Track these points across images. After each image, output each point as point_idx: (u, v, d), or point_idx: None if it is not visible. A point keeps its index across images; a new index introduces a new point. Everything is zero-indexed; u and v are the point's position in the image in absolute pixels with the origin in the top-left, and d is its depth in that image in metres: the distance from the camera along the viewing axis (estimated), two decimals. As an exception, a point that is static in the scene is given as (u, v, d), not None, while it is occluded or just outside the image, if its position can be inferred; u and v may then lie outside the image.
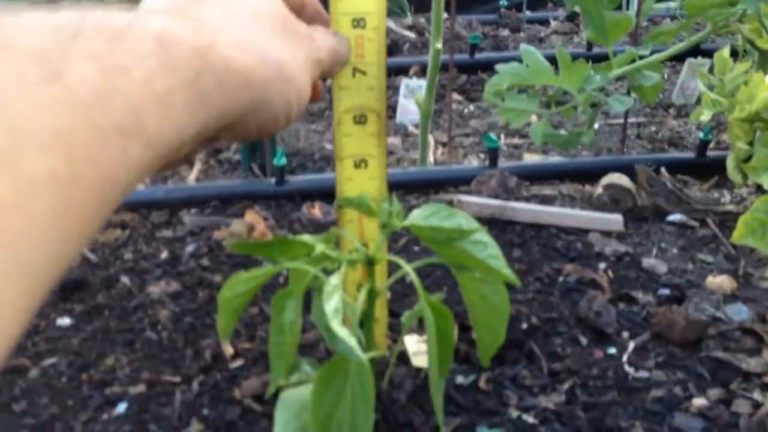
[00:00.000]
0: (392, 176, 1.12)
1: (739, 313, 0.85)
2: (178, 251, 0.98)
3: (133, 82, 0.30)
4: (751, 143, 0.98)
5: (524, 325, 0.82)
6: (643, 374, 0.76)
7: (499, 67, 1.11)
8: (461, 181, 1.16)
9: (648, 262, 0.95)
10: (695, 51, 1.62)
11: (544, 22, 2.22)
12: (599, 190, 1.09)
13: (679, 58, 1.57)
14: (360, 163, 0.66)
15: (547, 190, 1.16)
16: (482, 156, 1.35)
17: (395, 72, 1.71)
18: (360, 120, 0.64)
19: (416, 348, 0.80)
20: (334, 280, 0.57)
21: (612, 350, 0.79)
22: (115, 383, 0.75)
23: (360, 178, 0.66)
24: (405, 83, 1.49)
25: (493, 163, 1.19)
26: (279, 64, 0.42)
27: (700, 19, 1.19)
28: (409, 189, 1.16)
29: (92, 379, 0.76)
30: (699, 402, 0.72)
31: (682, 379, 0.75)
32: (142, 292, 0.89)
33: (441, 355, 0.61)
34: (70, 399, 0.74)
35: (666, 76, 1.76)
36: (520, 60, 1.12)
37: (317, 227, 1.03)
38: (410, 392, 0.73)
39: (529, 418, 0.71)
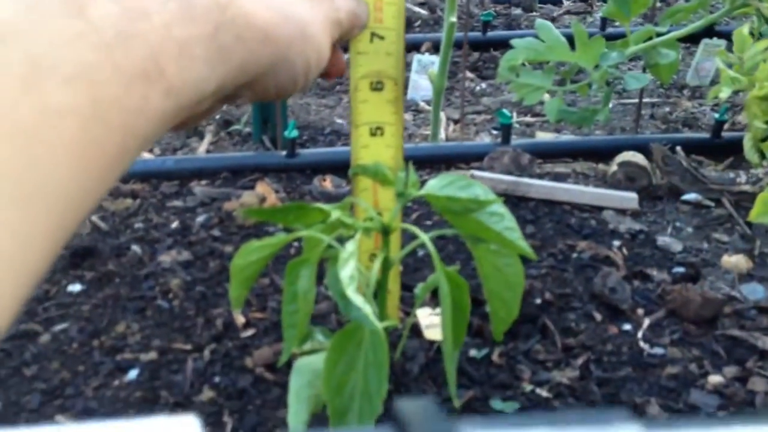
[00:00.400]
0: (404, 150, 1.10)
1: (755, 292, 0.84)
2: (188, 221, 0.97)
3: (154, 27, 0.29)
4: (769, 122, 0.96)
5: (538, 300, 0.81)
6: (658, 351, 0.75)
7: (514, 41, 1.10)
8: (473, 158, 1.15)
9: (663, 240, 0.94)
10: (711, 33, 1.61)
11: (557, 2, 2.19)
12: (614, 167, 1.08)
13: (694, 39, 1.55)
14: (376, 131, 0.65)
15: (560, 168, 1.15)
16: (494, 133, 1.33)
17: (407, 49, 1.68)
18: (377, 86, 0.63)
19: (429, 321, 0.80)
20: (350, 246, 0.57)
21: (627, 326, 0.78)
22: (126, 350, 0.75)
23: (376, 146, 0.65)
24: (417, 59, 1.48)
25: (506, 139, 1.18)
26: (300, 22, 0.41)
27: (719, -3, 1.18)
28: (421, 164, 1.15)
29: (103, 345, 0.76)
30: (715, 379, 0.71)
31: (698, 356, 0.75)
32: (152, 260, 0.88)
33: (455, 326, 0.60)
34: (81, 364, 0.73)
35: (681, 57, 1.75)
36: (534, 38, 1.11)
37: (328, 200, 1.03)
38: (423, 364, 0.73)
39: (543, 393, 0.70)
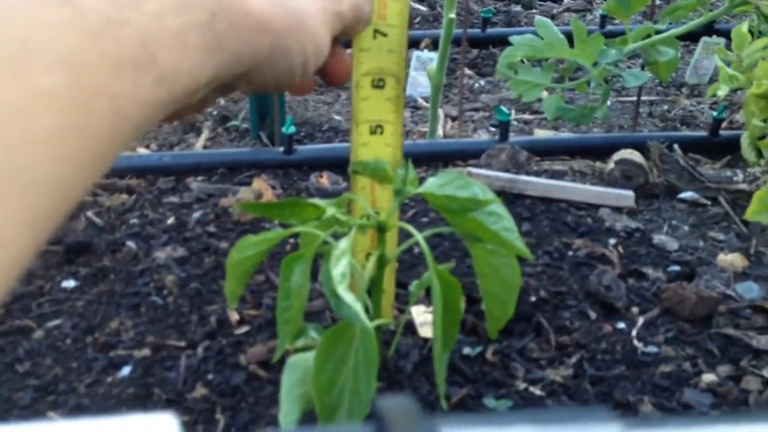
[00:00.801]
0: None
1: (750, 291, 0.84)
2: (184, 217, 0.97)
3: (145, 14, 0.29)
4: (766, 120, 0.96)
5: (533, 298, 0.81)
6: (652, 349, 0.75)
7: (513, 38, 1.10)
8: (471, 155, 1.15)
9: (659, 238, 0.94)
10: (710, 31, 1.60)
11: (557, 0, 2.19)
12: (611, 165, 1.08)
13: (693, 37, 1.55)
14: (376, 129, 0.65)
15: (558, 166, 1.15)
16: (492, 130, 1.33)
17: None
18: (378, 84, 0.63)
19: (423, 318, 0.79)
20: (343, 244, 0.57)
21: (621, 325, 0.78)
22: (119, 346, 0.75)
23: (375, 144, 0.65)
24: (416, 55, 1.48)
25: (504, 137, 1.17)
26: (296, 12, 0.41)
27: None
28: (418, 161, 1.15)
29: (97, 341, 0.75)
30: (709, 378, 0.71)
31: (692, 355, 0.74)
32: (147, 256, 0.88)
33: (446, 325, 0.60)
34: (74, 361, 0.73)
35: (680, 55, 1.74)
36: (533, 34, 1.11)
37: (325, 196, 1.02)
38: (416, 362, 0.73)
39: (536, 391, 0.70)
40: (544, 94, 1.23)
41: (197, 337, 0.76)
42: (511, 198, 1.02)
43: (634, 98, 1.31)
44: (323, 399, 0.54)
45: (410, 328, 0.77)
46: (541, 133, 1.33)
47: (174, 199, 1.02)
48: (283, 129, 1.10)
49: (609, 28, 1.75)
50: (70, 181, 0.25)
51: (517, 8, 2.09)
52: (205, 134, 1.27)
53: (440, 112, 1.35)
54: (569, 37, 1.10)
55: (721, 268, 0.89)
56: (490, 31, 1.76)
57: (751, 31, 1.33)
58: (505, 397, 0.69)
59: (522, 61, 1.15)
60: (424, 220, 0.97)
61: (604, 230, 0.96)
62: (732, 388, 0.70)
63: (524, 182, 1.03)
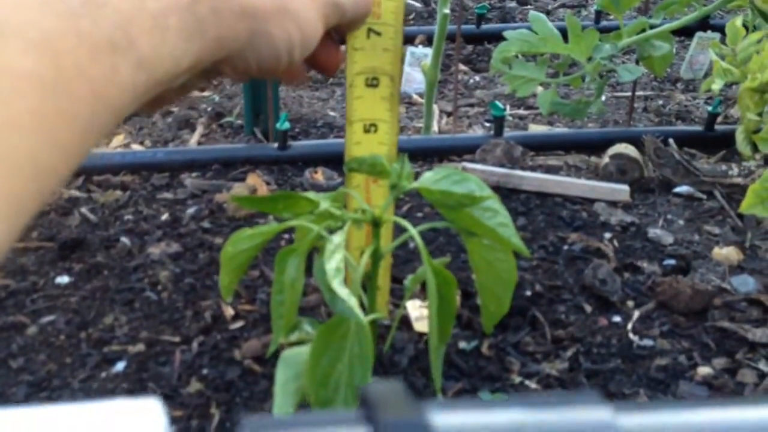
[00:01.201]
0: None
1: (745, 284, 0.84)
2: (178, 213, 0.96)
3: None
4: (761, 114, 0.96)
5: (528, 292, 0.81)
6: (647, 342, 0.75)
7: (508, 33, 1.10)
8: (466, 150, 1.14)
9: (654, 232, 0.94)
10: (705, 26, 1.61)
11: (552, -5, 2.19)
12: (606, 159, 1.08)
13: (688, 33, 1.55)
14: (370, 128, 0.65)
15: (553, 161, 1.15)
16: (487, 126, 1.33)
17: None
18: (372, 83, 0.63)
19: (418, 313, 0.79)
20: (337, 238, 0.56)
21: (617, 318, 0.78)
22: (113, 342, 0.75)
23: (369, 143, 0.65)
24: (410, 51, 1.47)
25: (499, 132, 1.17)
26: None
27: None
28: (413, 156, 1.14)
29: (91, 337, 0.75)
30: (704, 371, 0.71)
31: (687, 348, 0.74)
32: (142, 252, 0.88)
33: (442, 319, 0.60)
34: (68, 356, 0.73)
35: (675, 51, 1.75)
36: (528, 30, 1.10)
37: (320, 192, 1.02)
38: (412, 356, 0.73)
39: (532, 384, 0.70)
40: (539, 89, 1.23)
41: (192, 332, 0.76)
42: (506, 193, 1.02)
43: (629, 93, 1.31)
44: (318, 393, 0.53)
45: (405, 322, 0.77)
46: (536, 129, 1.33)
47: (168, 195, 1.01)
48: (278, 125, 1.09)
49: (604, 23, 1.75)
50: (50, 166, 0.25)
51: (512, 4, 2.09)
52: (200, 130, 1.26)
53: (435, 108, 1.35)
54: (564, 33, 1.10)
55: (717, 261, 0.89)
56: (484, 27, 1.76)
57: (745, 26, 1.33)
58: (501, 391, 0.69)
59: (516, 56, 1.15)
60: (419, 215, 0.97)
61: (599, 224, 0.96)
62: (727, 380, 0.70)
63: (519, 177, 1.03)
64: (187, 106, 1.33)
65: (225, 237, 0.90)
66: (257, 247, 0.62)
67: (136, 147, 1.20)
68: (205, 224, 0.94)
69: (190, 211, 0.97)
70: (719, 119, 1.22)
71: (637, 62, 1.21)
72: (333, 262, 0.55)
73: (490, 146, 1.11)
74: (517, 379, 0.70)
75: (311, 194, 0.60)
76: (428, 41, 1.64)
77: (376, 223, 0.62)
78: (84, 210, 0.97)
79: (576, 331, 0.76)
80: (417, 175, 0.59)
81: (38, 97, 0.24)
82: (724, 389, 0.69)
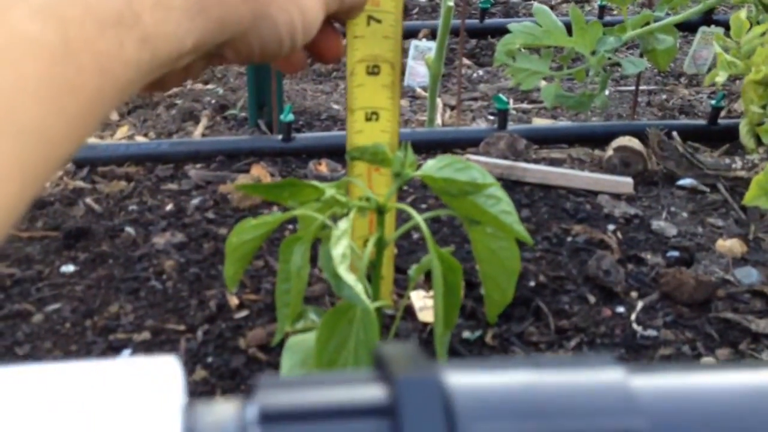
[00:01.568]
0: (400, 135, 1.10)
1: (749, 275, 0.84)
2: (183, 204, 0.97)
3: None
4: (765, 106, 0.96)
5: (532, 283, 0.81)
6: (651, 333, 0.75)
7: (512, 25, 1.10)
8: (469, 143, 1.15)
9: (657, 224, 0.94)
10: (708, 21, 1.60)
11: (555, -9, 2.18)
12: (609, 152, 1.08)
13: (692, 28, 1.55)
14: (371, 116, 0.65)
15: (556, 154, 1.15)
16: (491, 119, 1.33)
17: (405, 36, 1.68)
18: (373, 71, 0.63)
19: (422, 303, 0.80)
20: (343, 225, 0.57)
21: (620, 309, 0.78)
22: (119, 330, 0.75)
23: (371, 131, 0.65)
24: (414, 45, 1.47)
25: (503, 125, 1.17)
26: None
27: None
28: (417, 149, 1.14)
29: (96, 325, 0.76)
30: (707, 361, 0.71)
31: (691, 338, 0.75)
32: (146, 242, 0.88)
33: (447, 308, 0.60)
34: (74, 344, 0.73)
35: (678, 46, 1.74)
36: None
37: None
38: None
39: (536, 373, 0.70)
40: (543, 83, 1.23)
41: (197, 321, 0.76)
42: (509, 185, 1.02)
43: (633, 87, 1.31)
44: (324, 378, 0.53)
45: (409, 312, 0.77)
46: (540, 122, 1.33)
47: (172, 186, 1.02)
48: (282, 117, 1.10)
49: (607, 18, 1.75)
50: (58, 134, 0.25)
51: (516, -1, 2.09)
52: (204, 122, 1.26)
53: (438, 102, 1.35)
54: (568, 27, 1.10)
55: (720, 253, 0.89)
56: (488, 21, 1.76)
57: (749, 21, 1.33)
58: (505, 380, 0.69)
59: (520, 49, 1.15)
60: (423, 206, 0.97)
61: (603, 216, 0.96)
62: (730, 370, 0.70)
63: (523, 169, 1.03)
64: (191, 99, 1.33)
65: (229, 227, 0.91)
66: (261, 237, 0.62)
67: (140, 139, 1.21)
68: (210, 215, 0.94)
69: (195, 201, 0.97)
70: (723, 114, 1.22)
71: (640, 56, 1.21)
72: (339, 248, 0.55)
73: (494, 139, 1.11)
74: (521, 368, 0.70)
75: (316, 183, 0.60)
76: (432, 35, 1.64)
77: (380, 211, 0.62)
78: (89, 200, 0.97)
79: (580, 322, 0.76)
80: (420, 167, 0.59)
81: (45, 63, 0.24)
82: (727, 379, 0.69)
